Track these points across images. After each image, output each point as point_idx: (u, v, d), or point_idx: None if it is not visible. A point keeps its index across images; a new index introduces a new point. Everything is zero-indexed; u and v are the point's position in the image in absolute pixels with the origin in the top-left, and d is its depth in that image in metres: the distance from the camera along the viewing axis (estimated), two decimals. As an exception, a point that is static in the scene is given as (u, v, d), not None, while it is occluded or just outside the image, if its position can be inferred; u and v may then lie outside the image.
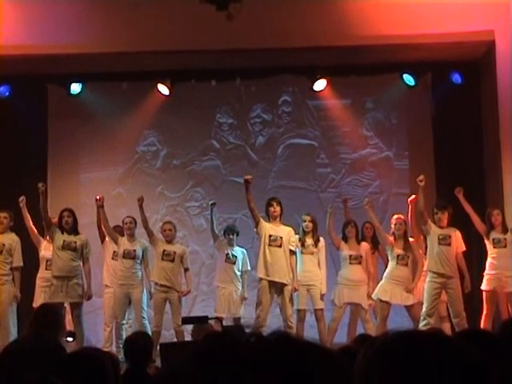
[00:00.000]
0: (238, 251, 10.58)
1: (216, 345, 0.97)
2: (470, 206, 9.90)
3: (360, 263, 10.23)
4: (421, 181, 9.80)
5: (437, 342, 1.31)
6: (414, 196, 9.89)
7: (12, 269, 10.07)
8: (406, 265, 9.98)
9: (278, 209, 10.05)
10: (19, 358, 5.48)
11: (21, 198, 10.11)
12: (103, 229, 10.32)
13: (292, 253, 10.01)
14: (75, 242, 9.98)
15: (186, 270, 10.43)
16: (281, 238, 9.93)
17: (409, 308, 9.94)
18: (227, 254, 10.49)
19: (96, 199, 10.17)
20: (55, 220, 10.25)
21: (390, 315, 9.90)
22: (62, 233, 10.00)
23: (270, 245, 9.90)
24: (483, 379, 1.28)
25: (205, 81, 12.25)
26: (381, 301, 9.90)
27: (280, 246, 9.91)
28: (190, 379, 0.94)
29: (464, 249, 9.85)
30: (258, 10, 10.37)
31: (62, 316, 6.24)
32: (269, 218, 10.06)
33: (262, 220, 9.98)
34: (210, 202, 10.81)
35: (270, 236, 9.92)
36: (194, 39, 10.69)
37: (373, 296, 10.00)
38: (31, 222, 10.29)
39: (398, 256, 9.95)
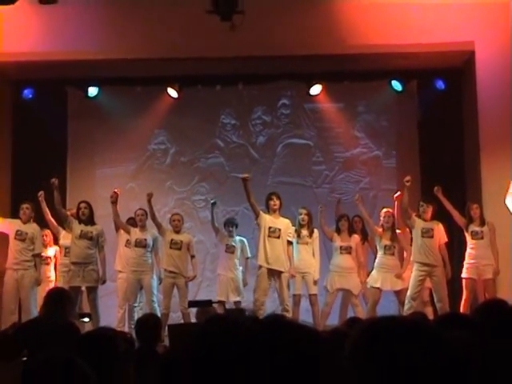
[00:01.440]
0: (238, 241, 10.60)
1: (217, 326, 0.98)
2: (448, 203, 9.92)
3: (350, 253, 10.28)
4: (407, 181, 9.82)
5: (415, 325, 1.35)
6: (399, 193, 9.94)
7: (34, 255, 10.08)
8: (393, 254, 10.06)
9: (277, 202, 10.07)
10: (35, 336, 5.50)
11: (40, 193, 10.09)
12: (117, 223, 10.36)
13: (289, 243, 10.02)
14: (91, 232, 10.00)
15: (192, 257, 10.46)
16: (279, 229, 9.95)
17: (397, 293, 9.99)
18: (227, 244, 10.53)
19: (111, 195, 10.16)
20: (73, 211, 10.28)
21: (379, 301, 9.95)
22: (80, 223, 10.01)
23: (269, 236, 9.93)
24: (453, 357, 1.31)
25: (210, 85, 12.27)
26: (372, 288, 9.96)
27: (278, 238, 9.93)
28: (196, 355, 0.95)
29: (446, 240, 9.88)
30: (260, 21, 10.36)
31: (72, 298, 6.24)
32: (268, 210, 10.07)
33: (261, 213, 10.00)
34: (211, 202, 10.84)
35: (270, 228, 9.94)
36: (200, 47, 10.69)
37: (367, 285, 10.05)
38: (50, 215, 10.28)
39: (385, 246, 10.01)
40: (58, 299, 5.83)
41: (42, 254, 10.46)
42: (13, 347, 5.83)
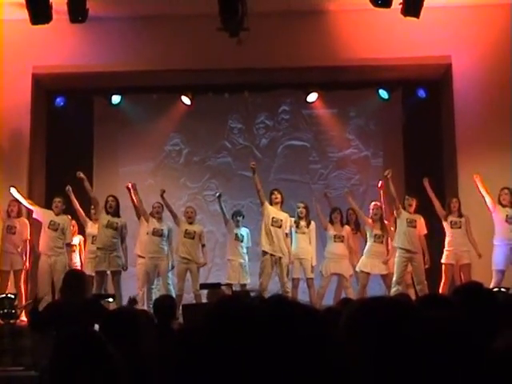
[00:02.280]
0: (244, 231, 10.61)
1: (229, 304, 0.99)
2: (433, 194, 9.95)
3: (342, 241, 10.27)
4: (386, 174, 9.88)
5: (399, 304, 1.37)
6: (380, 183, 9.98)
7: (64, 244, 10.10)
8: (382, 242, 10.08)
9: (278, 196, 10.09)
10: (60, 314, 5.49)
11: (67, 188, 10.10)
12: (138, 209, 10.34)
13: (287, 235, 10.04)
14: (117, 223, 10.00)
15: (203, 245, 10.45)
16: (281, 220, 9.98)
17: (384, 277, 10.00)
18: (236, 233, 10.50)
19: (131, 187, 10.19)
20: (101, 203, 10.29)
21: (368, 283, 9.97)
22: (107, 214, 10.02)
23: (272, 225, 9.95)
24: (432, 331, 1.33)
25: (219, 93, 12.26)
26: (362, 272, 9.98)
27: (280, 227, 9.96)
28: (210, 329, 0.96)
29: (426, 232, 9.91)
30: (263, 37, 10.36)
31: (86, 279, 6.19)
32: (271, 203, 10.09)
33: (266, 202, 10.02)
34: (217, 195, 10.79)
35: (273, 218, 9.96)
36: (211, 60, 10.71)
37: (356, 269, 10.07)
38: (78, 206, 10.31)
39: (375, 235, 10.03)
40: (75, 281, 5.81)
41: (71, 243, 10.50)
42: (44, 322, 5.86)
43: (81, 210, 10.37)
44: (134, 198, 10.20)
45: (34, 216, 10.27)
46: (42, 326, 5.96)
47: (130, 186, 10.21)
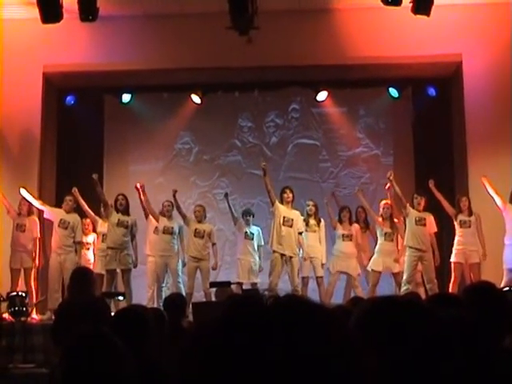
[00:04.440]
0: (254, 229, 10.61)
1: (240, 304, 0.99)
2: (440, 194, 9.91)
3: (351, 240, 10.26)
4: (389, 175, 9.89)
5: (409, 303, 1.38)
6: (388, 185, 9.96)
7: (74, 242, 10.14)
8: (392, 240, 10.06)
9: (290, 195, 10.07)
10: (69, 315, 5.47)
11: (73, 189, 10.12)
12: (147, 210, 10.37)
13: (300, 233, 10.03)
14: (127, 222, 10.03)
15: (213, 244, 10.46)
16: (292, 219, 9.96)
17: (395, 275, 9.98)
18: (245, 232, 10.51)
19: (140, 187, 10.21)
20: (110, 203, 10.31)
21: (378, 282, 9.96)
22: (117, 212, 10.05)
23: (283, 224, 9.93)
24: (442, 330, 1.33)
25: (229, 92, 12.27)
26: (373, 271, 9.97)
27: (291, 226, 9.94)
28: (218, 329, 0.96)
29: (435, 230, 9.88)
30: (273, 35, 10.37)
31: (93, 275, 6.14)
32: (282, 202, 10.07)
33: (277, 202, 10.01)
34: (224, 194, 10.82)
35: (284, 217, 9.95)
36: (220, 59, 10.72)
37: (367, 268, 10.06)
38: (86, 206, 10.33)
39: (385, 234, 10.03)
40: (82, 278, 5.78)
41: (83, 241, 10.54)
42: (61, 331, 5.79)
43: (89, 210, 10.38)
44: (142, 198, 10.22)
45: (45, 216, 10.30)
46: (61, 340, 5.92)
47: (138, 186, 10.22)
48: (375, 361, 1.01)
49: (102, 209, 10.34)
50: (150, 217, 10.49)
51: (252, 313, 0.93)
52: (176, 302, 5.75)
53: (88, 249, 10.76)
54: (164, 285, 10.26)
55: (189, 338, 0.99)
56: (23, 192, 10.13)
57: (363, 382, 0.94)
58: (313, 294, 10.16)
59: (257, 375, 0.89)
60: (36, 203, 10.25)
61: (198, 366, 0.94)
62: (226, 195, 10.70)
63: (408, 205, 9.79)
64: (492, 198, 9.62)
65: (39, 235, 10.23)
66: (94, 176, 10.02)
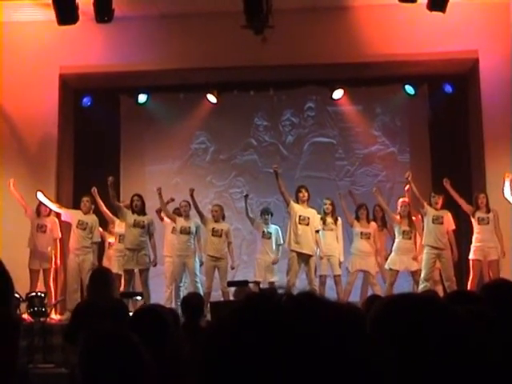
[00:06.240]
0: (273, 228, 10.60)
1: (256, 300, 0.99)
2: (455, 193, 9.85)
3: (369, 238, 10.23)
4: (407, 176, 9.91)
5: (428, 301, 1.37)
6: (407, 186, 9.93)
7: (92, 243, 10.17)
8: (410, 238, 10.03)
9: (305, 194, 10.07)
10: (89, 316, 5.46)
11: (93, 189, 10.11)
12: (163, 213, 10.41)
13: (317, 232, 10.02)
14: (143, 221, 10.05)
15: (229, 243, 10.45)
16: (308, 218, 9.95)
17: (413, 273, 9.95)
18: (264, 231, 10.51)
19: (158, 190, 10.24)
20: (126, 203, 10.34)
21: (396, 281, 9.93)
22: (133, 213, 10.07)
23: (299, 223, 9.92)
24: (461, 328, 1.33)
25: (245, 91, 12.26)
26: (391, 269, 9.94)
27: (307, 225, 9.93)
28: (236, 326, 0.97)
29: (454, 227, 9.84)
30: (288, 34, 10.36)
31: (112, 276, 6.15)
32: (298, 201, 10.07)
33: (292, 202, 10.00)
34: (244, 195, 10.88)
35: (300, 216, 9.94)
36: (236, 58, 10.73)
37: (385, 266, 10.03)
38: (104, 207, 10.35)
39: (403, 232, 9.99)
40: (101, 279, 5.78)
41: (109, 241, 10.60)
42: (75, 331, 5.78)
43: (107, 210, 10.40)
44: (160, 201, 10.24)
45: (63, 218, 10.32)
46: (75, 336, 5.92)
47: (158, 191, 10.21)
48: (393, 359, 1.01)
49: (117, 212, 10.36)
50: (166, 218, 10.52)
51: (265, 310, 0.93)
52: (194, 301, 5.76)
53: (110, 249, 10.81)
54: (182, 284, 10.28)
55: (204, 336, 0.99)
56: (40, 196, 10.15)
57: (380, 380, 0.93)
58: (331, 292, 10.15)
59: (268, 373, 0.89)
60: (53, 206, 10.27)
61: (213, 364, 0.94)
62: (246, 196, 10.73)
63: (426, 203, 9.76)
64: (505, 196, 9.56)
65: (60, 235, 10.29)
66: (110, 179, 10.05)
